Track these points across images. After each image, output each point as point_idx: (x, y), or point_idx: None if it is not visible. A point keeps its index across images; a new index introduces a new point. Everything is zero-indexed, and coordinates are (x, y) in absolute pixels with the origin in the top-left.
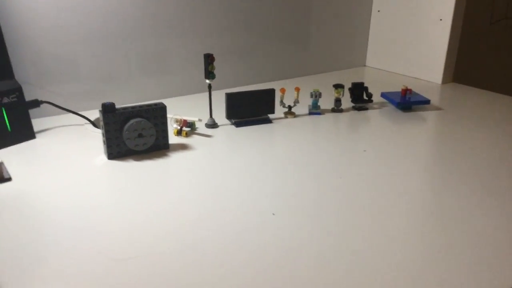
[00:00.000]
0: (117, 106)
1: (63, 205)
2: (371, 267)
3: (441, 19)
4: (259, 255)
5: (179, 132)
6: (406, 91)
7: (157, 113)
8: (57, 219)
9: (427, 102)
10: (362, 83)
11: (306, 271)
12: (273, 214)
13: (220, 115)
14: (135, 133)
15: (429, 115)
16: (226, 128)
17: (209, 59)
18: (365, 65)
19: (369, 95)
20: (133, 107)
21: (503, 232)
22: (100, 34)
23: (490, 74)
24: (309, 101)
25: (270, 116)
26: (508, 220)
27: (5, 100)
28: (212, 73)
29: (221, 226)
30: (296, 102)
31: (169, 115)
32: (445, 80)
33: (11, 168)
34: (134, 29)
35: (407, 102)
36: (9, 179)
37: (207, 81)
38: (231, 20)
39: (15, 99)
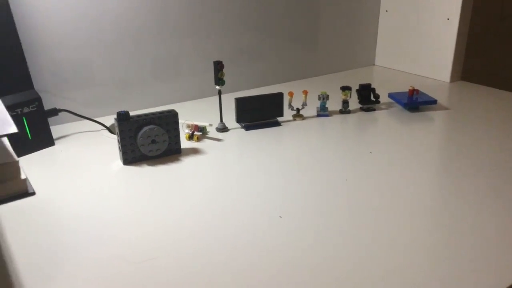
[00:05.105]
0: (132, 111)
1: (82, 211)
2: (378, 269)
3: (448, 19)
4: (268, 257)
5: (190, 137)
6: (413, 92)
7: (169, 120)
8: (76, 224)
9: (434, 102)
10: (369, 85)
11: (313, 274)
12: (280, 216)
13: (230, 118)
14: (148, 140)
15: (437, 115)
16: (236, 132)
17: (218, 66)
18: (374, 64)
19: (376, 96)
20: (146, 115)
21: (510, 234)
22: (114, 41)
23: (500, 71)
24: (317, 103)
25: (279, 119)
26: None
27: (26, 110)
28: (222, 79)
29: (231, 229)
30: (304, 104)
31: (180, 121)
32: (453, 79)
33: (32, 175)
34: (146, 35)
35: (414, 102)
36: (33, 193)
37: (217, 87)
38: (240, 23)
39: (34, 109)
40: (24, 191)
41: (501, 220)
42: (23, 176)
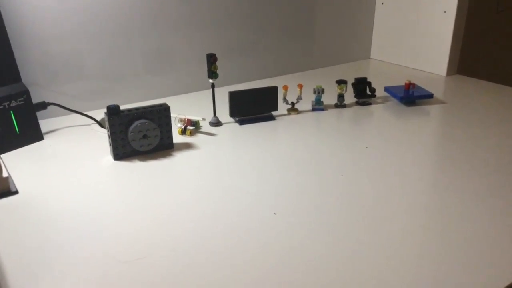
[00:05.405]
0: (123, 105)
1: (71, 208)
2: (372, 265)
3: (445, 11)
4: (262, 254)
5: (183, 132)
6: (409, 85)
7: (161, 114)
8: (65, 221)
9: (430, 96)
10: (365, 78)
11: (307, 270)
12: (275, 213)
13: (224, 112)
14: (139, 134)
15: (433, 109)
16: (230, 126)
17: (211, 59)
18: (369, 58)
19: (372, 90)
20: (137, 109)
21: (506, 231)
22: (104, 33)
23: (496, 65)
24: (312, 97)
25: (274, 113)
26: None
27: (13, 103)
28: (215, 72)
29: (224, 226)
30: (299, 98)
31: (173, 115)
32: (449, 72)
33: (19, 170)
34: (138, 27)
35: (410, 96)
36: (15, 192)
37: (210, 80)
38: (234, 16)
39: (22, 102)
40: (6, 190)
41: (497, 217)
42: (5, 174)
